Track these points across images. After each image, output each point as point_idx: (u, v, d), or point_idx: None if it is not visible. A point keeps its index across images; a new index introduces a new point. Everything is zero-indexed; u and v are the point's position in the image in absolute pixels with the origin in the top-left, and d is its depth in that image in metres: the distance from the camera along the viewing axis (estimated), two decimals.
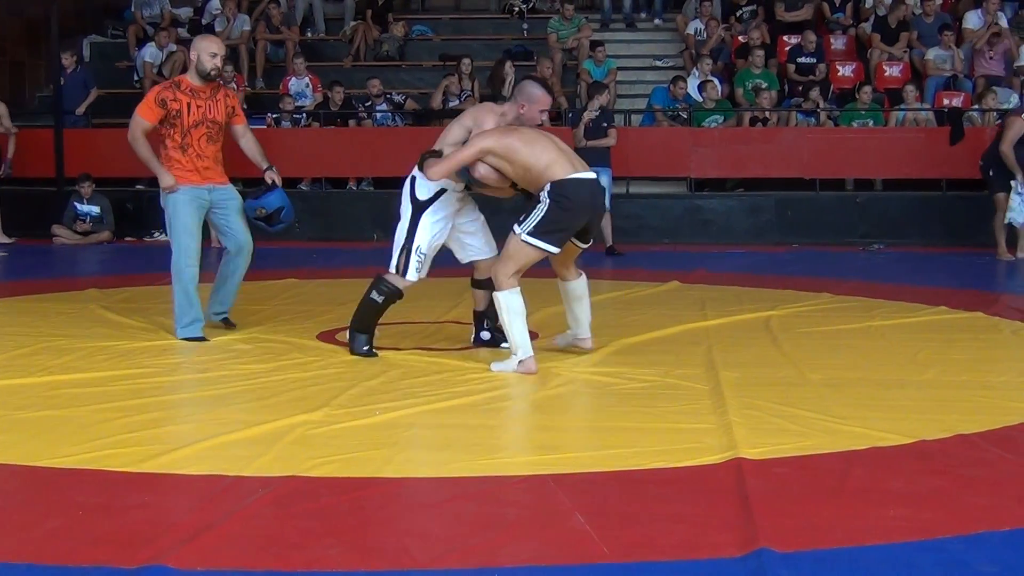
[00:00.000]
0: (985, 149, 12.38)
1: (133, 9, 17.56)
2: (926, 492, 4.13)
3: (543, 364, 6.19)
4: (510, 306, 6.01)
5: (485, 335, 6.91)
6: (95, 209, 13.93)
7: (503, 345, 6.48)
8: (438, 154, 6.33)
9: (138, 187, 14.70)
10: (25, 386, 5.80)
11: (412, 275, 6.51)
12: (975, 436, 4.87)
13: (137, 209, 14.45)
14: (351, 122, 15.33)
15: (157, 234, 13.96)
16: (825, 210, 14.41)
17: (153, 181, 13.96)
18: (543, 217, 5.92)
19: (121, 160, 14.74)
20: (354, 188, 15.19)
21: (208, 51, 7.06)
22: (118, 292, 9.28)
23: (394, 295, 6.55)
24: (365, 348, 6.55)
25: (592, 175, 6.32)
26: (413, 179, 6.56)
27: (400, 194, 6.68)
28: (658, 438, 4.83)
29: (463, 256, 6.97)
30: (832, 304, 8.71)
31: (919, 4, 16.35)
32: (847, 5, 16.86)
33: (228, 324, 7.36)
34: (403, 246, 6.54)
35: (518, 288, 6.07)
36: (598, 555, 3.50)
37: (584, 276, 6.49)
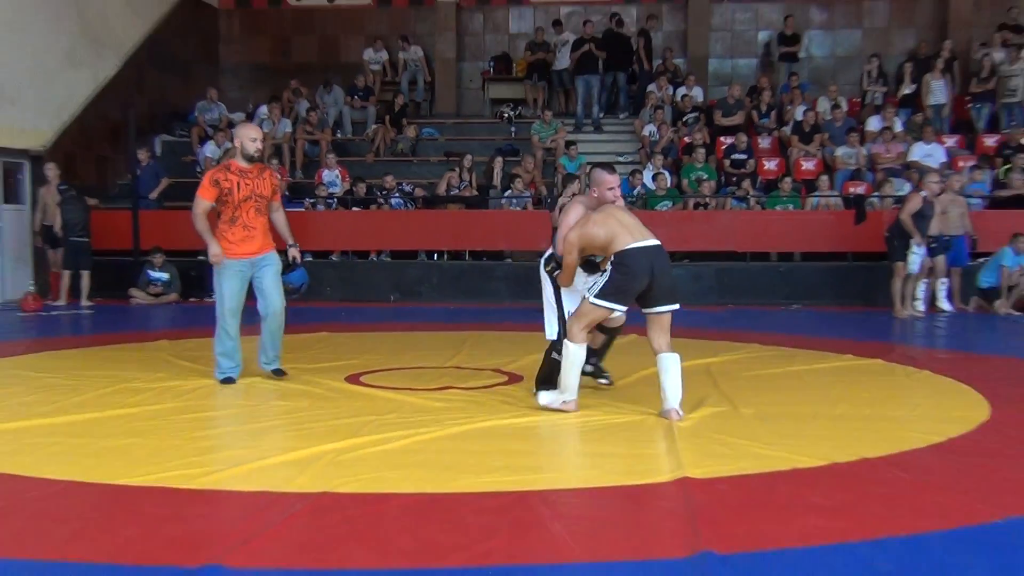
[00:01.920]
0: (888, 225, 12.46)
1: (196, 114, 17.69)
2: (838, 505, 4.14)
3: (528, 401, 6.21)
4: (574, 356, 5.87)
5: (587, 367, 6.47)
6: (165, 275, 13.97)
7: (600, 381, 6.73)
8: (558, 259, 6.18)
9: (200, 257, 14.68)
10: (107, 418, 5.79)
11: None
12: (877, 459, 4.88)
13: (199, 275, 14.44)
14: (372, 206, 15.40)
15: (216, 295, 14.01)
16: (754, 277, 14.47)
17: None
18: (607, 281, 5.78)
19: (186, 236, 14.76)
20: (375, 259, 15.23)
21: (248, 137, 6.97)
22: (183, 343, 9.28)
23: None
24: (560, 400, 6.04)
25: (653, 242, 5.86)
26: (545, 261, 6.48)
27: (540, 275, 6.54)
28: (621, 461, 4.84)
29: None
30: (760, 353, 8.74)
31: (829, 111, 16.55)
32: (771, 112, 17.03)
33: (278, 374, 7.15)
34: (558, 315, 6.39)
35: (585, 344, 5.92)
36: (573, 556, 3.51)
37: (673, 352, 5.84)
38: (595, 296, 5.84)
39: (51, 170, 13.55)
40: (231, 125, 17.46)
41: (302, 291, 7.62)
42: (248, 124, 7.18)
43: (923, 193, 12.13)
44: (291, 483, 4.40)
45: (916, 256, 12.06)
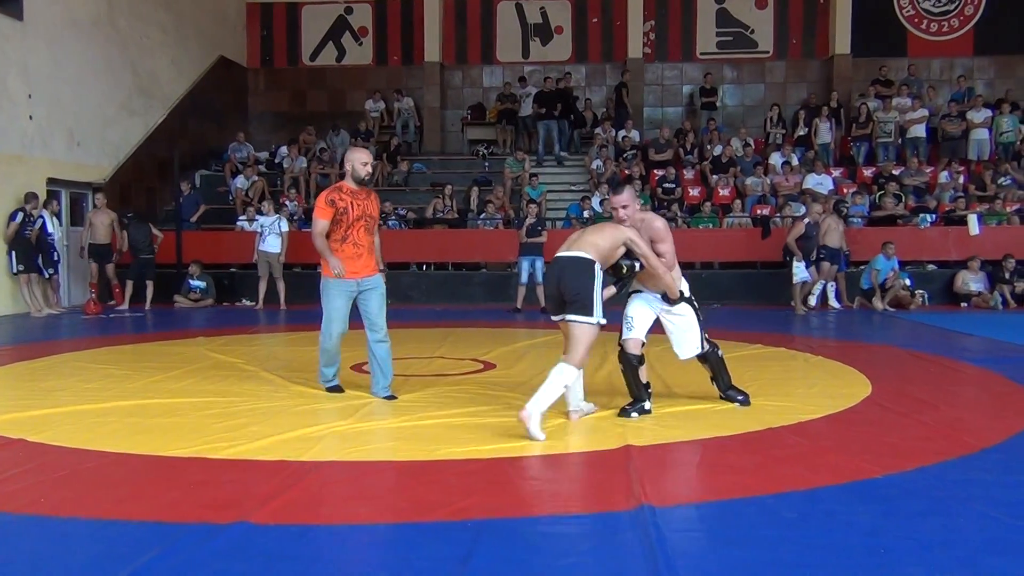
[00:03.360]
0: (784, 243, 12.55)
1: (228, 153, 17.52)
2: (750, 466, 4.14)
3: (500, 385, 6.17)
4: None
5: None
6: (202, 284, 13.80)
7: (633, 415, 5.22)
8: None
9: (232, 269, 14.59)
10: (154, 401, 5.71)
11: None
12: (781, 428, 4.90)
13: (231, 284, 14.33)
14: None
15: (245, 300, 13.89)
16: None
17: (242, 265, 14.16)
18: None
19: (219, 251, 14.79)
20: None
21: (360, 160, 5.86)
22: (217, 339, 9.17)
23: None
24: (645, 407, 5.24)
25: (569, 253, 4.94)
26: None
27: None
28: (574, 433, 4.83)
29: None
30: None
31: (741, 149, 16.63)
32: (694, 150, 17.08)
33: (391, 398, 5.84)
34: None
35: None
36: (536, 509, 3.49)
37: (562, 363, 4.85)
38: None
39: (99, 199, 13.42)
40: (258, 162, 17.39)
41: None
42: (359, 148, 6.13)
43: (807, 220, 12.25)
44: (305, 453, 4.35)
45: (798, 269, 12.18)
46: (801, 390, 6.15)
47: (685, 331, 5.40)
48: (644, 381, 5.33)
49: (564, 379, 4.74)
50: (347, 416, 5.21)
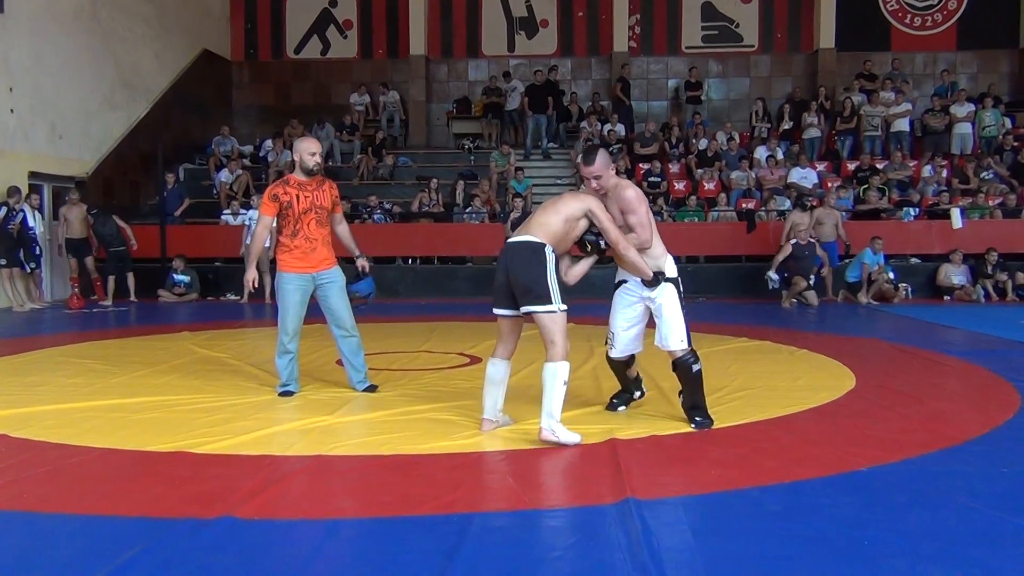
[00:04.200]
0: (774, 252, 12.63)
1: (212, 147, 17.42)
2: (734, 458, 4.15)
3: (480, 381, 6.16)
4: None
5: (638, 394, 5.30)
6: (186, 278, 13.70)
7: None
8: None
9: (216, 263, 14.51)
10: (138, 397, 5.67)
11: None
12: (766, 421, 4.92)
13: (215, 278, 14.26)
14: (358, 221, 15.27)
15: (230, 294, 13.82)
16: None
17: (227, 260, 14.09)
18: None
19: (204, 246, 14.70)
20: None
21: (308, 151, 5.70)
22: (203, 333, 9.13)
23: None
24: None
25: (518, 238, 4.48)
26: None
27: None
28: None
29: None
30: None
31: (726, 142, 16.67)
32: (680, 144, 17.11)
33: (372, 390, 5.82)
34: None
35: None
36: (522, 503, 3.49)
37: (551, 362, 4.39)
38: None
39: (72, 195, 13.30)
40: (242, 156, 17.29)
41: (370, 300, 6.48)
42: (307, 137, 5.86)
43: (793, 241, 12.32)
44: (290, 448, 4.34)
45: (772, 280, 12.38)
46: (786, 383, 6.17)
47: (668, 319, 4.76)
48: (634, 376, 5.24)
49: (560, 377, 4.32)
50: (333, 410, 5.20)
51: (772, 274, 12.36)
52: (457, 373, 6.62)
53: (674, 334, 4.77)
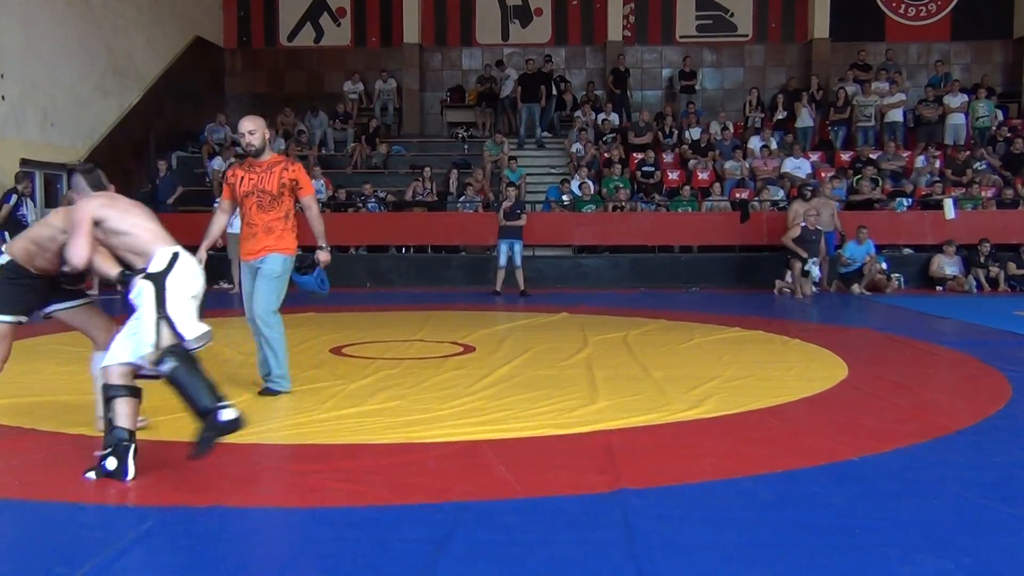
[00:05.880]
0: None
1: (205, 135, 17.35)
2: (727, 448, 4.16)
3: (479, 367, 6.15)
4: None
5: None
6: None
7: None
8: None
9: (208, 252, 14.43)
10: None
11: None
12: (759, 411, 4.92)
13: (208, 266, 14.11)
14: (351, 209, 15.24)
15: (223, 283, 13.79)
16: (661, 265, 14.50)
17: (220, 248, 14.01)
18: None
19: (197, 234, 14.50)
20: (353, 252, 15.06)
21: (240, 130, 5.38)
22: None
23: None
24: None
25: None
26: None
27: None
28: (553, 416, 4.81)
29: None
30: (667, 326, 8.76)
31: (720, 132, 16.66)
32: (674, 133, 17.09)
33: (266, 392, 5.33)
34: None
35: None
36: (514, 492, 3.48)
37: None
38: None
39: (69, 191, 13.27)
40: (235, 143, 17.20)
41: (323, 294, 5.80)
42: (247, 117, 5.46)
43: (802, 223, 12.32)
44: (282, 436, 4.33)
45: (812, 266, 12.31)
46: (778, 373, 6.17)
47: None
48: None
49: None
50: (325, 400, 5.18)
51: (813, 265, 12.30)
52: (451, 362, 6.62)
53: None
